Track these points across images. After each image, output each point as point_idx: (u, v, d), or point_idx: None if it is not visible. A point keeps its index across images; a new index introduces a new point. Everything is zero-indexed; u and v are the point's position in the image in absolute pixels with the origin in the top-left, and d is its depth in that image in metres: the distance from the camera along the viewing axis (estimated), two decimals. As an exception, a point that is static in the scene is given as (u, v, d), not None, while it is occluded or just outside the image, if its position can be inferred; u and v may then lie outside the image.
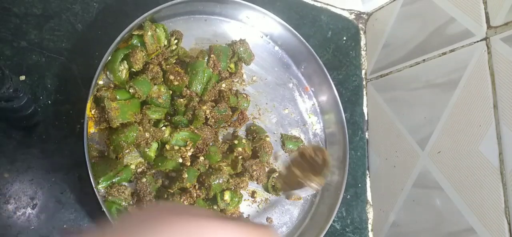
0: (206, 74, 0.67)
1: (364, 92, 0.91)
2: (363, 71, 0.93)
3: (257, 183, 0.70)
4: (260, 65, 0.79)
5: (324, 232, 0.69)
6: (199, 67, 0.66)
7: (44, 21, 0.62)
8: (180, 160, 0.63)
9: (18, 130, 0.57)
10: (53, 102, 0.60)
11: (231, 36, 0.76)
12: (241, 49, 0.73)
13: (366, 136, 0.89)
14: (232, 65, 0.74)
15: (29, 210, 0.55)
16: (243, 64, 0.76)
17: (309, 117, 0.82)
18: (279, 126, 0.78)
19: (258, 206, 0.72)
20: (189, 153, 0.63)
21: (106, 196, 0.58)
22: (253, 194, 0.71)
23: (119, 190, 0.58)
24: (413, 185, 0.74)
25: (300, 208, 0.75)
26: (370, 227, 0.83)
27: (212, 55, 0.69)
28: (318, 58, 0.78)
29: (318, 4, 0.91)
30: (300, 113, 0.81)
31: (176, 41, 0.68)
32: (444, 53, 0.72)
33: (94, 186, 0.53)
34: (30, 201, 0.55)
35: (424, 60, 0.76)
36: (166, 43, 0.67)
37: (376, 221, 0.82)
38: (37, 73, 0.60)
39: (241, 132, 0.74)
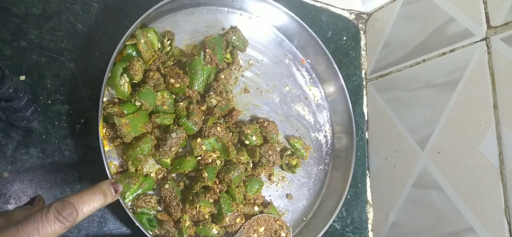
0: (205, 71, 0.67)
1: (364, 92, 0.91)
2: (363, 71, 0.93)
3: (274, 165, 0.71)
4: (254, 47, 0.78)
5: (343, 199, 0.72)
6: (197, 65, 0.66)
7: (44, 21, 0.62)
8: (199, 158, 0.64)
9: (18, 130, 0.57)
10: (53, 102, 0.60)
11: (221, 23, 0.75)
12: (234, 37, 0.72)
13: (366, 136, 0.89)
14: (228, 55, 0.73)
15: (29, 210, 0.55)
16: (239, 51, 0.75)
17: (310, 89, 0.82)
18: (283, 105, 0.78)
19: (276, 185, 0.73)
20: (217, 160, 0.65)
21: (134, 208, 0.59)
22: (269, 176, 0.73)
23: (145, 201, 0.60)
24: (413, 185, 0.74)
25: (315, 178, 0.78)
26: (370, 227, 0.83)
27: (207, 50, 0.68)
28: (309, 28, 0.77)
29: (318, 4, 0.91)
30: (300, 87, 0.82)
31: (169, 41, 0.67)
32: (444, 53, 0.72)
33: (122, 204, 0.54)
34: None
35: (424, 60, 0.76)
36: (159, 46, 0.66)
37: (376, 221, 0.82)
38: (37, 73, 0.60)
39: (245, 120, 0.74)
